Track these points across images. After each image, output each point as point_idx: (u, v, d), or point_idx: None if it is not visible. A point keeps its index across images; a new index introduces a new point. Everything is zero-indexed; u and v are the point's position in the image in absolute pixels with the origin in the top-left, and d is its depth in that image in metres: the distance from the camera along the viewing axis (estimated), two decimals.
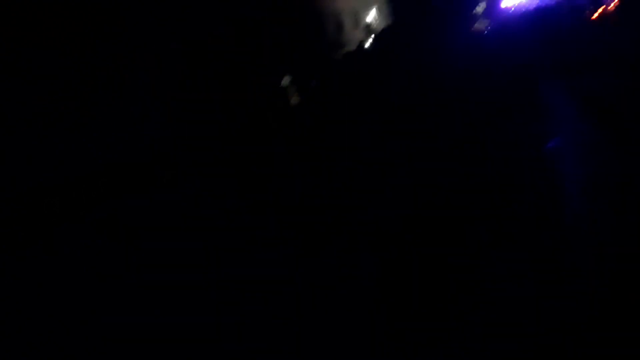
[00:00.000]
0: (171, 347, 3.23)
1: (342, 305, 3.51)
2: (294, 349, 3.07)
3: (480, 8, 5.39)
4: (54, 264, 4.28)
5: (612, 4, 7.18)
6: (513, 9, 9.02)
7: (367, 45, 5.23)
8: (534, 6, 7.76)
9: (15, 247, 4.61)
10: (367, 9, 21.85)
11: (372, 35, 5.20)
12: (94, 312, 3.68)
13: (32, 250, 4.52)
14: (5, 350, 3.36)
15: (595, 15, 7.09)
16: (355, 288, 3.65)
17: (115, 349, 3.31)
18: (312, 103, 5.25)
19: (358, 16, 21.86)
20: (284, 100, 6.40)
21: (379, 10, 21.81)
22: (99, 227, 4.71)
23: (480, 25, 5.92)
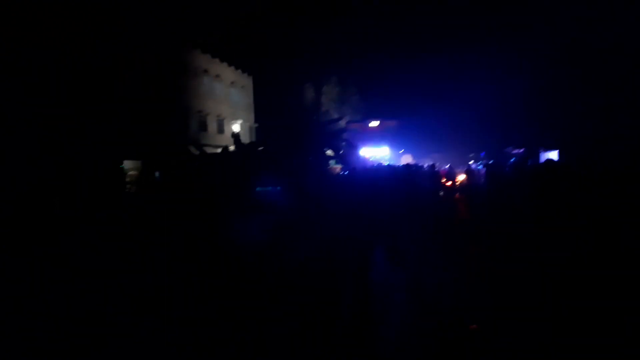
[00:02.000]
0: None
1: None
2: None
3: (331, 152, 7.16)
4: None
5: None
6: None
7: (231, 148, 6.40)
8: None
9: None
10: (233, 119, 25.36)
11: (235, 144, 6.25)
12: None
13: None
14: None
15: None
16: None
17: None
18: None
19: (224, 122, 25.35)
20: None
21: (244, 124, 24.96)
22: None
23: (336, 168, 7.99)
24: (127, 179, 14.45)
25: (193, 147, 7.48)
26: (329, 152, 7.38)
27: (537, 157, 20.71)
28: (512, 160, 15.25)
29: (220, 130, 32.16)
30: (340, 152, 7.45)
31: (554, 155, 18.92)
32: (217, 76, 32.56)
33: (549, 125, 22.32)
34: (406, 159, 40.45)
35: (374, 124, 46.50)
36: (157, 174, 6.80)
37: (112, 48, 20.38)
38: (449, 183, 15.22)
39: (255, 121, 37.79)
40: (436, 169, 13.71)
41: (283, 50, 38.92)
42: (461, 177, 15.62)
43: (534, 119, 26.34)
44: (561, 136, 19.19)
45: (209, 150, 9.46)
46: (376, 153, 34.77)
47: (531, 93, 28.89)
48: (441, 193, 13.23)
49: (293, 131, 7.79)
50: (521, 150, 22.90)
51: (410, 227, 8.45)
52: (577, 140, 16.99)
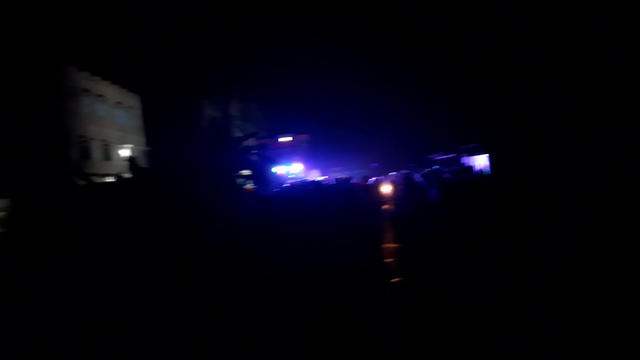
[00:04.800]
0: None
1: None
2: None
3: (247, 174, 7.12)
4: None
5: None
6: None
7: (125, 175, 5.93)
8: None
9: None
10: (121, 144, 24.45)
11: (132, 170, 5.80)
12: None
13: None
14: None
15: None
16: None
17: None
18: None
19: (110, 147, 24.46)
20: None
21: (135, 148, 24.09)
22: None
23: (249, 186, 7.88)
24: None
25: (77, 177, 6.72)
26: (246, 172, 7.00)
27: (459, 163, 21.56)
28: (436, 167, 15.77)
29: (107, 157, 30.27)
30: (257, 170, 7.08)
31: (483, 159, 19.66)
32: (100, 96, 30.72)
33: (472, 126, 23.23)
34: (315, 175, 41.16)
35: (286, 139, 46.60)
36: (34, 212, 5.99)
37: None
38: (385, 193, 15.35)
39: (147, 144, 36.12)
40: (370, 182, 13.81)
41: (173, 65, 37.73)
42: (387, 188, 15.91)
43: (455, 122, 27.57)
44: (489, 138, 19.94)
45: (96, 179, 8.61)
46: (290, 169, 34.72)
47: (445, 95, 30.39)
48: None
49: (198, 153, 7.29)
50: (452, 155, 23.83)
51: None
52: (504, 143, 17.88)
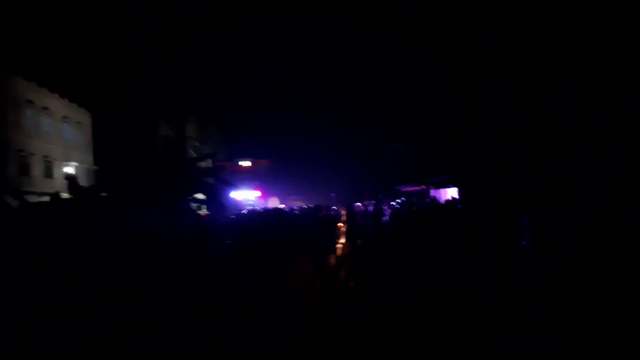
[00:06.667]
0: None
1: None
2: None
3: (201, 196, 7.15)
4: None
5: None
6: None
7: (63, 195, 5.66)
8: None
9: None
10: (65, 161, 24.23)
11: (70, 189, 5.54)
12: None
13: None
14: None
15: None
16: None
17: None
18: None
19: (53, 164, 24.27)
20: None
21: (80, 167, 23.82)
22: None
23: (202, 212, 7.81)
24: None
25: (10, 196, 6.28)
26: (200, 196, 6.68)
27: (427, 195, 21.67)
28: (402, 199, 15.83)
29: (48, 174, 29.14)
30: (212, 194, 6.78)
31: (453, 192, 19.87)
32: (45, 109, 29.72)
33: (441, 159, 23.41)
34: (273, 202, 40.96)
35: (246, 163, 46.07)
36: None
37: None
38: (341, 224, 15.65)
39: (95, 163, 35.04)
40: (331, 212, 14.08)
41: (129, 82, 37.00)
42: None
43: (424, 153, 27.79)
44: (458, 171, 20.07)
45: (33, 199, 8.16)
46: (248, 196, 34.25)
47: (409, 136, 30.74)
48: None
49: (147, 174, 6.95)
50: (421, 187, 23.99)
51: None
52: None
